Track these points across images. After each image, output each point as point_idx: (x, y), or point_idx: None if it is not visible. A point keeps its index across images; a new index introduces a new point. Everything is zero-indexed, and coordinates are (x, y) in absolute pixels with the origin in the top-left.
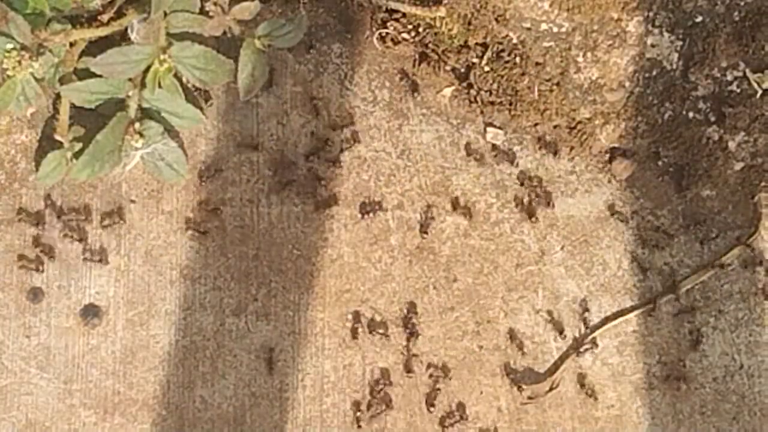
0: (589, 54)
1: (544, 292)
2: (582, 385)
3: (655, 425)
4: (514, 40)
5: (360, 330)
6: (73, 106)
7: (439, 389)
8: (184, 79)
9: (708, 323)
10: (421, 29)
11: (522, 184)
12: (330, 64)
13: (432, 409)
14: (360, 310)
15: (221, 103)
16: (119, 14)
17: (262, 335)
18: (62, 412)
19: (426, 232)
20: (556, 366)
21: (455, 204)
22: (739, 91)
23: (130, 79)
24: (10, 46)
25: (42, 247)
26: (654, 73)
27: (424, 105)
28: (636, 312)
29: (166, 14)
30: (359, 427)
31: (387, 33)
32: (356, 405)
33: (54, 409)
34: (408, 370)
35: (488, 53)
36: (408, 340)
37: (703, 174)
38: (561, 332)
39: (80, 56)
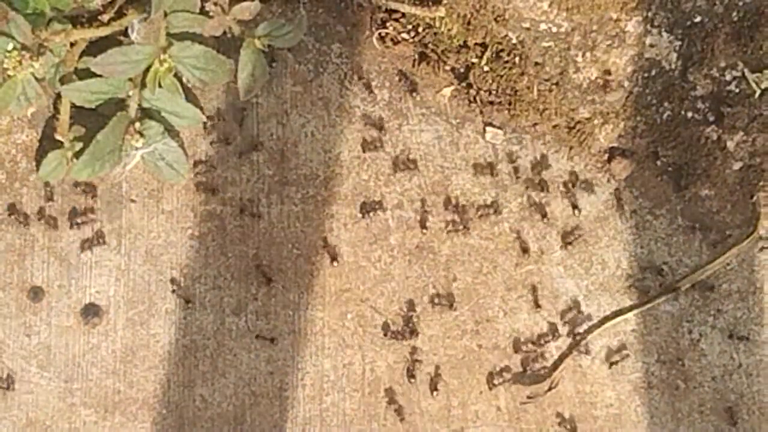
0: (588, 54)
1: (543, 292)
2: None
3: (654, 424)
4: (514, 40)
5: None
6: (73, 105)
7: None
8: (184, 79)
9: (707, 323)
10: (420, 29)
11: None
12: (330, 64)
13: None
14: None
15: (221, 103)
16: (119, 14)
17: (261, 334)
18: (63, 411)
19: (425, 227)
20: (555, 366)
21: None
22: (737, 90)
23: (130, 79)
24: (10, 46)
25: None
26: (653, 72)
27: (424, 105)
28: (635, 312)
29: (166, 14)
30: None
31: (387, 33)
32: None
33: (54, 408)
34: (411, 375)
35: (487, 53)
36: (412, 347)
37: (701, 174)
38: (560, 332)
39: (81, 56)
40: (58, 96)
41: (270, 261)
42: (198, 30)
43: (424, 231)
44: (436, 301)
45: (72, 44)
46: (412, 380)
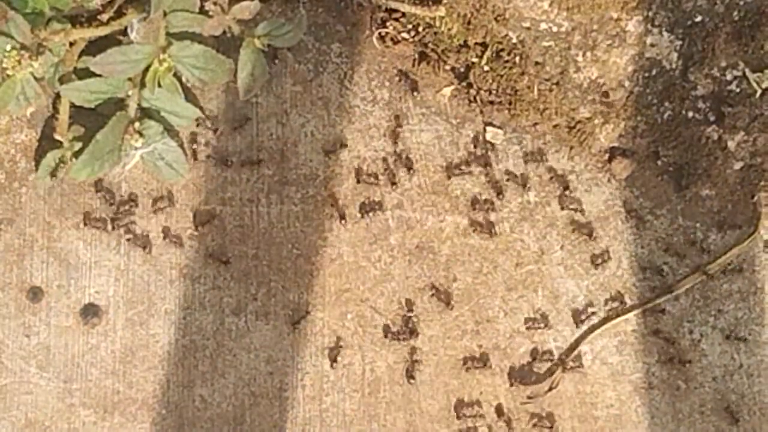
0: (588, 53)
1: (543, 292)
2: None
3: (655, 424)
4: (514, 40)
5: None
6: (72, 105)
7: None
8: (183, 79)
9: (708, 323)
10: (420, 29)
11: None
12: (330, 64)
13: None
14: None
15: (221, 103)
16: (119, 14)
17: (261, 334)
18: (62, 412)
19: (395, 185)
20: (555, 366)
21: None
22: (738, 90)
23: (129, 79)
24: (9, 46)
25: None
26: (653, 72)
27: (424, 104)
28: (636, 312)
29: (165, 14)
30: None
31: (386, 32)
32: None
33: (54, 408)
34: (410, 376)
35: (488, 53)
36: (412, 348)
37: (702, 173)
38: (560, 332)
39: (80, 56)
40: (58, 96)
41: (270, 260)
42: (197, 29)
43: (394, 187)
44: (433, 293)
45: (71, 44)
46: (412, 381)
